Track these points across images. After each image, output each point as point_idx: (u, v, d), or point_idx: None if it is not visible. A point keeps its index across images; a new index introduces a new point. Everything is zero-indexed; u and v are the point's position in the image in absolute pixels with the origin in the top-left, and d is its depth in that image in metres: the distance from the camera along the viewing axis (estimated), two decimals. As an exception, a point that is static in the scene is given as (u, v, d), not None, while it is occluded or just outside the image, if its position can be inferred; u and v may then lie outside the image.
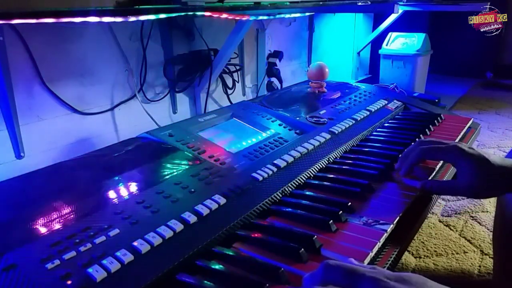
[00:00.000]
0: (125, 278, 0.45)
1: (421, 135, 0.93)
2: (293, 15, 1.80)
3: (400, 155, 0.80)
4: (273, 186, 0.67)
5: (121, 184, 0.63)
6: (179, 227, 0.53)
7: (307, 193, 0.67)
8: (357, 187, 0.67)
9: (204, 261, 0.49)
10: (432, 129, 0.99)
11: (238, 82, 1.68)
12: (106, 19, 0.83)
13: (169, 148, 0.75)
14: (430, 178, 0.73)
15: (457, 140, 0.94)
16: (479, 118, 2.28)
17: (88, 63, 1.14)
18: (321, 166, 0.77)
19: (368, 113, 1.05)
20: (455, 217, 1.23)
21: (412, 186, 0.68)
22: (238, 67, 1.66)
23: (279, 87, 1.73)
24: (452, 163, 0.66)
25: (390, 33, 2.61)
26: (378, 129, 0.99)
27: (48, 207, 0.56)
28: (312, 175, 0.74)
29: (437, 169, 0.77)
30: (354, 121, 0.99)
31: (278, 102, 1.10)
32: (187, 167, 0.69)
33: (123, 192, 0.61)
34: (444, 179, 0.75)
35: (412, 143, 0.74)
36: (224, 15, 1.08)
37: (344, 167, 0.76)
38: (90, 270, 0.44)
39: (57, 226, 0.52)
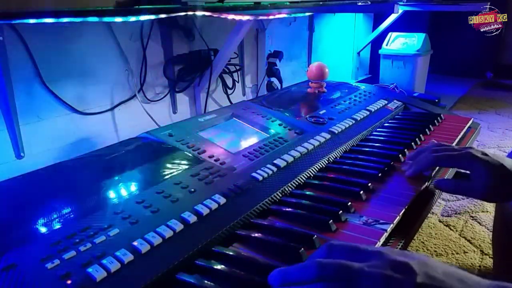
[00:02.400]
0: (125, 278, 0.45)
1: (421, 135, 0.93)
2: (293, 15, 1.80)
3: (406, 155, 0.80)
4: (273, 186, 0.67)
5: (121, 184, 0.63)
6: (179, 227, 0.53)
7: (307, 193, 0.67)
8: (357, 187, 0.66)
9: (204, 261, 0.49)
10: (432, 129, 0.99)
11: (238, 82, 1.68)
12: (106, 19, 0.83)
13: (169, 148, 0.75)
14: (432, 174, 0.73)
15: (457, 140, 0.94)
16: (479, 118, 2.28)
17: (88, 63, 1.15)
18: (321, 166, 0.77)
19: (368, 113, 1.05)
20: (455, 217, 1.23)
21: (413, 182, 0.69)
22: (238, 67, 1.66)
23: (279, 87, 1.73)
24: (466, 169, 0.65)
25: (390, 33, 2.61)
26: (378, 129, 0.99)
27: (48, 207, 0.56)
28: (312, 175, 0.74)
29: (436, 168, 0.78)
30: (354, 121, 0.99)
31: (278, 102, 1.10)
32: (187, 167, 0.69)
33: (123, 192, 0.61)
34: (456, 179, 0.74)
35: (425, 145, 0.74)
36: (224, 15, 1.08)
37: (344, 167, 0.76)
38: (90, 270, 0.44)
39: (57, 226, 0.52)
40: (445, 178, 0.71)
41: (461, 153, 0.63)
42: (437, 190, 0.72)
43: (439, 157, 0.66)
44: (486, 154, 0.62)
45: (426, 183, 0.71)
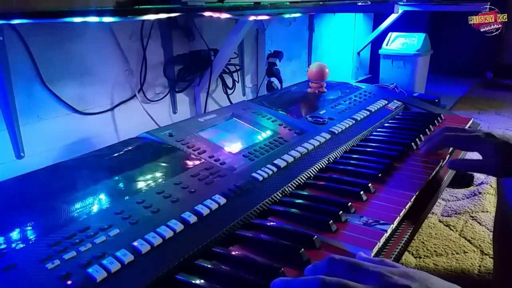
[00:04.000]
0: (125, 278, 0.45)
1: (421, 135, 0.93)
2: (293, 15, 1.80)
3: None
4: (273, 186, 0.67)
5: (121, 184, 0.63)
6: (179, 227, 0.53)
7: (307, 193, 0.67)
8: (357, 187, 0.66)
9: (204, 261, 0.49)
10: (432, 129, 0.99)
11: (238, 82, 1.68)
12: (106, 19, 0.83)
13: (169, 148, 0.75)
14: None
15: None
16: (479, 118, 2.28)
17: (88, 63, 1.14)
18: (321, 166, 0.77)
19: (368, 113, 1.05)
20: (455, 217, 1.23)
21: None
22: (238, 67, 1.66)
23: (279, 87, 1.73)
24: (474, 150, 0.71)
25: (390, 33, 2.61)
26: (378, 129, 0.99)
27: (48, 207, 0.56)
28: (312, 175, 0.74)
29: (447, 157, 0.82)
30: (354, 121, 0.99)
31: (278, 102, 1.10)
32: (187, 167, 0.69)
33: (123, 192, 0.61)
34: (468, 159, 0.81)
35: (436, 130, 0.80)
36: (224, 15, 1.08)
37: (344, 167, 0.76)
38: (90, 270, 0.44)
39: (57, 226, 0.51)
40: (455, 158, 0.78)
41: (469, 135, 0.70)
42: (441, 186, 0.73)
43: (449, 136, 0.73)
44: (492, 136, 0.68)
45: (427, 181, 0.71)
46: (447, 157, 0.82)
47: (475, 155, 0.71)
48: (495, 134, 0.68)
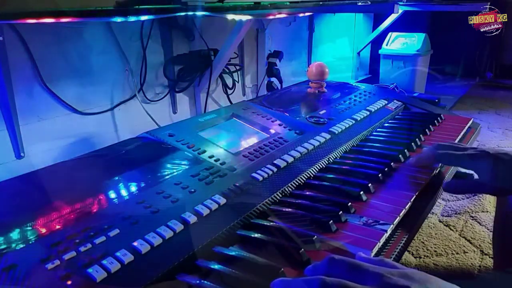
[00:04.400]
0: (125, 278, 0.45)
1: (421, 135, 0.93)
2: (293, 15, 1.80)
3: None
4: (273, 186, 0.67)
5: (121, 184, 0.63)
6: (179, 227, 0.53)
7: (307, 193, 0.67)
8: (357, 187, 0.66)
9: (204, 261, 0.49)
10: (432, 129, 0.99)
11: (238, 82, 1.68)
12: (106, 19, 0.83)
13: (169, 148, 0.75)
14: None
15: (457, 140, 0.94)
16: (479, 118, 2.28)
17: (88, 63, 1.14)
18: (321, 166, 0.77)
19: (368, 113, 1.05)
20: (455, 217, 1.23)
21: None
22: (238, 67, 1.66)
23: (279, 87, 1.73)
24: (469, 169, 0.68)
25: (390, 33, 2.61)
26: (378, 129, 0.99)
27: (48, 207, 0.56)
28: (312, 175, 0.74)
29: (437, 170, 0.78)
30: (354, 121, 0.99)
31: (278, 102, 1.10)
32: (187, 167, 0.69)
33: (123, 192, 0.61)
34: (463, 179, 0.78)
35: (429, 146, 0.76)
36: (224, 15, 1.08)
37: (344, 167, 0.76)
38: (90, 270, 0.44)
39: (57, 226, 0.51)
40: (451, 180, 0.73)
41: (463, 154, 0.66)
42: (441, 186, 0.73)
43: (441, 154, 0.69)
44: (487, 154, 0.64)
45: (427, 182, 0.71)
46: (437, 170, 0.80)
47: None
48: (490, 151, 0.64)
